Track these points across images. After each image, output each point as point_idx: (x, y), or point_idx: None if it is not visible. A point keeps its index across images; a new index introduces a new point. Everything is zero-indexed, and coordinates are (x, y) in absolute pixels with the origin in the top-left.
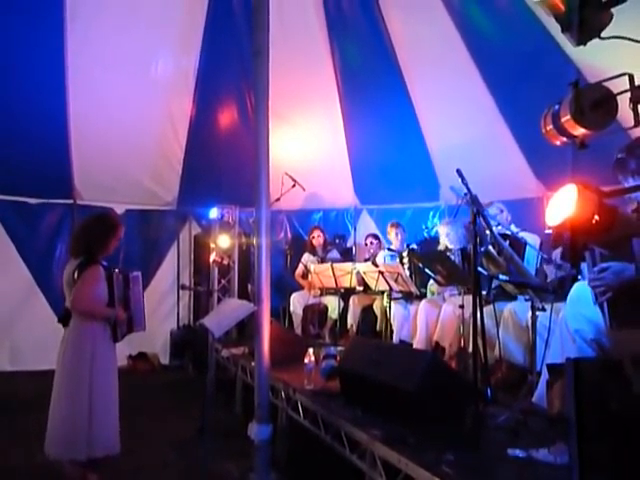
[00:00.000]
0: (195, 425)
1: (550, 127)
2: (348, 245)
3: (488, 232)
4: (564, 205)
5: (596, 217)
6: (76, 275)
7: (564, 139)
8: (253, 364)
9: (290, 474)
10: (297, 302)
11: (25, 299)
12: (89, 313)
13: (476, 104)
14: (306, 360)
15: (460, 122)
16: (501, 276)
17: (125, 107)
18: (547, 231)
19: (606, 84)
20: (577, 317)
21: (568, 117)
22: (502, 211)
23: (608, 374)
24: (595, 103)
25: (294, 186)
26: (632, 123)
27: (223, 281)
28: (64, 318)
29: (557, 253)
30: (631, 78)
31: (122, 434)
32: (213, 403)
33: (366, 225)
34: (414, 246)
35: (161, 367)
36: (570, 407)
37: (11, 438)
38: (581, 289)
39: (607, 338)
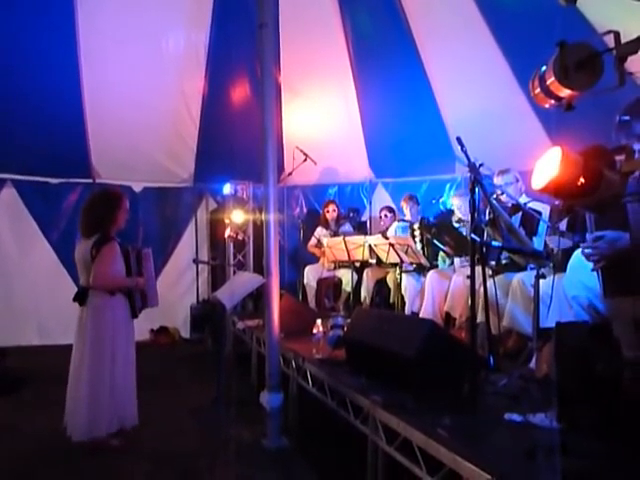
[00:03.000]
0: (212, 395)
1: (538, 90)
2: (363, 219)
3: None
4: (548, 168)
5: (581, 179)
6: (94, 253)
7: (552, 101)
8: (265, 335)
9: (300, 440)
10: (311, 275)
11: (50, 276)
12: (111, 288)
13: (492, 72)
14: (314, 330)
15: (475, 91)
16: (494, 242)
17: (138, 85)
18: (556, 202)
19: None
20: (575, 284)
21: (553, 79)
22: (518, 180)
23: (596, 338)
24: (579, 63)
25: (305, 160)
26: None
27: (239, 256)
28: (80, 296)
29: (564, 223)
30: (616, 36)
31: (142, 403)
32: (230, 374)
33: (381, 199)
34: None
35: (182, 340)
36: (559, 370)
37: (39, 407)
38: (580, 256)
39: (602, 304)
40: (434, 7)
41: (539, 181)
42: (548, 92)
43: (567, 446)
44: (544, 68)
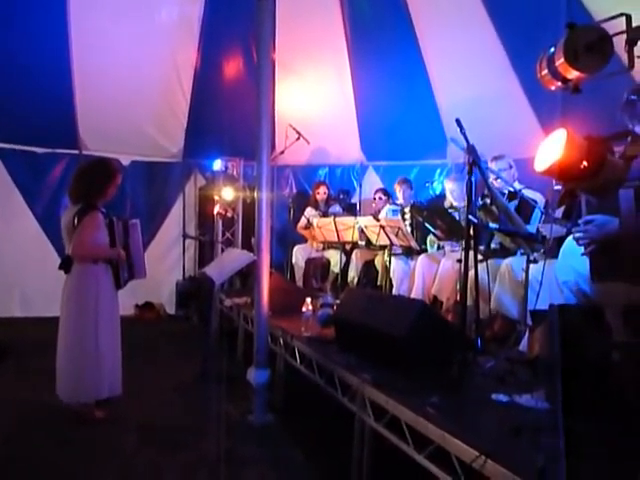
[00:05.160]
0: (198, 371)
1: (545, 72)
2: (353, 201)
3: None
4: (552, 150)
5: (584, 163)
6: (76, 221)
7: (559, 84)
8: (254, 312)
9: (287, 416)
10: (299, 255)
11: (33, 247)
12: (90, 257)
13: (488, 58)
14: (304, 309)
15: (471, 77)
16: (491, 224)
17: (129, 56)
18: (556, 187)
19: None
20: (566, 269)
21: (562, 60)
22: (511, 167)
23: (589, 321)
24: (589, 45)
25: (298, 139)
26: None
27: (227, 233)
28: (65, 264)
29: (560, 212)
30: (628, 19)
31: (127, 379)
32: (216, 351)
33: (372, 182)
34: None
35: (167, 316)
36: (554, 350)
37: (22, 378)
38: (573, 242)
39: (590, 288)
40: None
41: (543, 163)
42: (556, 74)
43: (553, 425)
44: (552, 49)
